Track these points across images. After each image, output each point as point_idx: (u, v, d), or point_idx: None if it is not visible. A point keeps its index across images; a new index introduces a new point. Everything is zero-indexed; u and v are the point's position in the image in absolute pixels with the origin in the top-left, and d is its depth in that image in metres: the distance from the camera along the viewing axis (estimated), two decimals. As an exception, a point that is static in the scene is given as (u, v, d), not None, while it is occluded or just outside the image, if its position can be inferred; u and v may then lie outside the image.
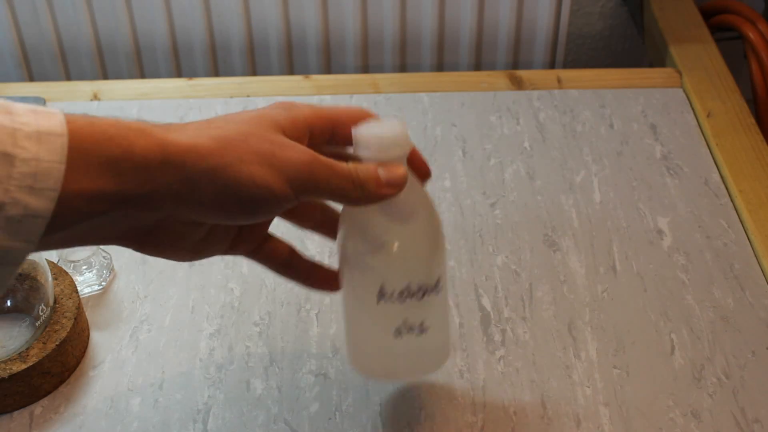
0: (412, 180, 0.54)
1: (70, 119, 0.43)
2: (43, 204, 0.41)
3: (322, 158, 0.49)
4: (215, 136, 0.46)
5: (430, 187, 0.80)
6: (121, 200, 0.44)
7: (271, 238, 0.56)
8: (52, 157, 0.41)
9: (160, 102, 0.90)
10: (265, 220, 0.54)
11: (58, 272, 0.67)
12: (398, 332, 0.56)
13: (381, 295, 0.54)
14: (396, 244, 0.54)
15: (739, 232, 0.75)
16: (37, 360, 0.61)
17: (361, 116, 0.53)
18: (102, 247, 0.73)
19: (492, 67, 1.06)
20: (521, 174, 0.82)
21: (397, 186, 0.50)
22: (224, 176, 0.46)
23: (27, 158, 0.41)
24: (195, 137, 0.46)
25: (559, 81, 0.93)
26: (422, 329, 0.56)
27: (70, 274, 0.68)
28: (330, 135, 0.52)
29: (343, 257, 0.55)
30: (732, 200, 0.79)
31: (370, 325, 0.56)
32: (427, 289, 0.55)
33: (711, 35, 0.99)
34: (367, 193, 0.50)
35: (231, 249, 0.54)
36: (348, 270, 0.56)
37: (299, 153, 0.48)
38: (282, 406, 0.63)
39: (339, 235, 0.55)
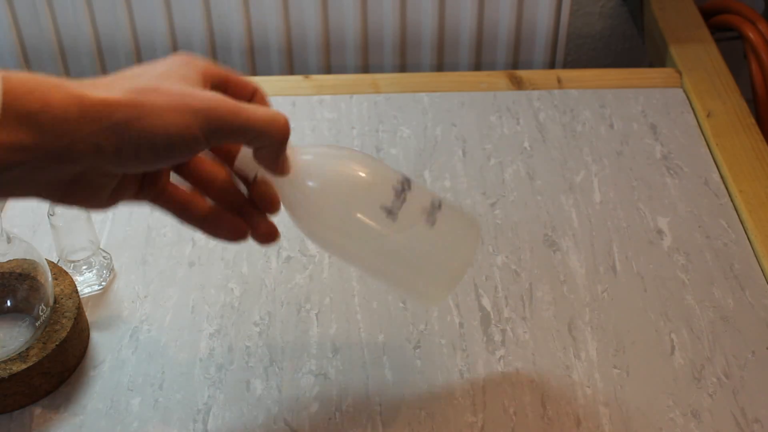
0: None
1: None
2: None
3: (230, 101, 0.50)
4: (129, 88, 0.48)
5: (430, 186, 0.80)
6: (41, 153, 0.46)
7: (170, 183, 0.56)
8: None
9: (160, 102, 0.90)
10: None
11: (58, 272, 0.67)
12: (423, 211, 0.55)
13: (388, 213, 0.54)
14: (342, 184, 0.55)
15: (739, 232, 0.75)
16: (37, 360, 0.61)
17: (249, 88, 0.55)
18: (102, 247, 0.73)
19: (492, 67, 1.06)
20: (521, 174, 0.82)
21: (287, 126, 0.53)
22: (138, 126, 0.48)
23: None
24: (109, 91, 0.48)
25: (559, 81, 0.93)
26: (438, 208, 0.56)
27: (70, 274, 0.68)
28: (222, 91, 0.54)
29: (321, 239, 0.57)
30: (732, 200, 0.79)
31: (408, 247, 0.56)
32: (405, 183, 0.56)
33: (711, 35, 0.99)
34: (273, 131, 0.51)
35: (138, 195, 0.54)
36: (340, 245, 0.57)
37: (208, 96, 0.50)
38: (282, 406, 0.63)
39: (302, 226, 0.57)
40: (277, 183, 0.55)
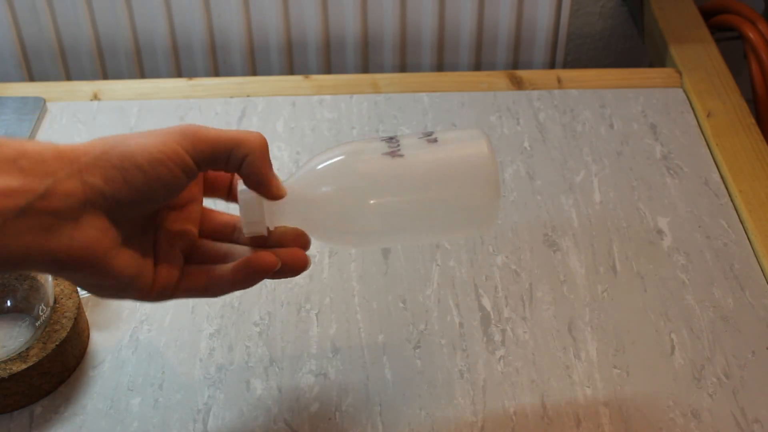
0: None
1: None
2: None
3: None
4: (98, 139, 0.50)
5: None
6: (32, 196, 0.46)
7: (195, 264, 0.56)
8: None
9: (160, 102, 0.90)
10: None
11: (58, 272, 0.67)
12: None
13: (392, 154, 0.55)
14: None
15: (739, 232, 0.75)
16: (37, 360, 0.61)
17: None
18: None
19: (492, 67, 1.06)
20: (521, 174, 0.82)
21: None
22: (118, 151, 0.49)
23: None
24: (79, 143, 0.49)
25: (559, 81, 0.93)
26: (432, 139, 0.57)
27: (70, 274, 0.68)
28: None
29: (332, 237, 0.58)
30: (732, 200, 0.79)
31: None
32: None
33: (711, 35, 0.99)
34: (251, 137, 0.53)
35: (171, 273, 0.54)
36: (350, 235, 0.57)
37: (180, 125, 0.52)
38: (282, 406, 0.63)
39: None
40: (292, 218, 0.55)
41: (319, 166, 0.56)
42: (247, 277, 0.54)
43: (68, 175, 0.47)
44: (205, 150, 0.51)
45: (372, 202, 0.55)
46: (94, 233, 0.48)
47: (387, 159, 0.55)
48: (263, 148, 0.53)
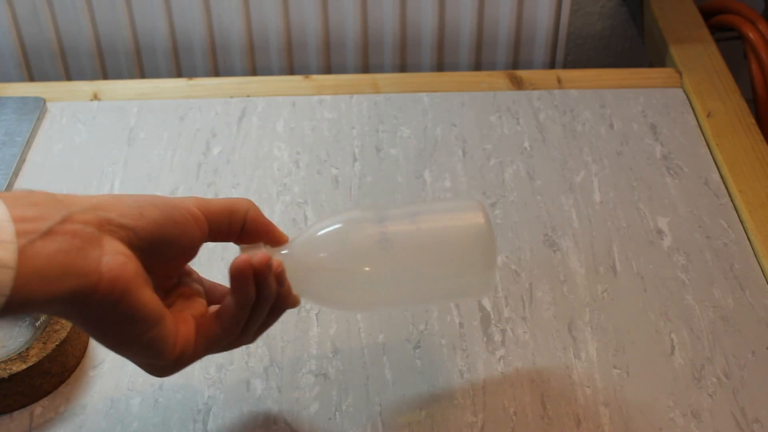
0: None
1: (22, 250, 0.44)
2: None
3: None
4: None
5: (430, 186, 0.80)
6: (49, 222, 0.45)
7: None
8: None
9: (160, 102, 0.90)
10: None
11: (58, 272, 0.67)
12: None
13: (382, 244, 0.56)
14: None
15: (739, 232, 0.75)
16: (37, 360, 0.61)
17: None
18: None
19: (492, 67, 1.06)
20: (521, 174, 0.82)
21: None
22: (130, 197, 0.50)
23: None
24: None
25: (559, 81, 0.93)
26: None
27: (70, 274, 0.67)
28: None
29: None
30: (732, 200, 0.79)
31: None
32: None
33: (711, 35, 0.99)
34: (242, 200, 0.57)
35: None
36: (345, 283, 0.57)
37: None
38: (282, 406, 0.63)
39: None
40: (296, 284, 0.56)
41: (318, 233, 0.57)
42: (241, 280, 0.52)
43: (82, 210, 0.47)
44: (212, 209, 0.53)
45: (364, 282, 0.56)
46: (121, 258, 0.47)
47: (377, 248, 0.56)
48: (255, 205, 0.56)
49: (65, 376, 0.64)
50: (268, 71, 1.06)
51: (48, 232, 0.45)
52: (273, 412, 0.62)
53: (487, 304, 0.70)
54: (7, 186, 0.80)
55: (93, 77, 1.06)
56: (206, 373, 0.65)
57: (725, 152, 0.83)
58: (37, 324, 0.64)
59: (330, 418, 0.62)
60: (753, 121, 0.86)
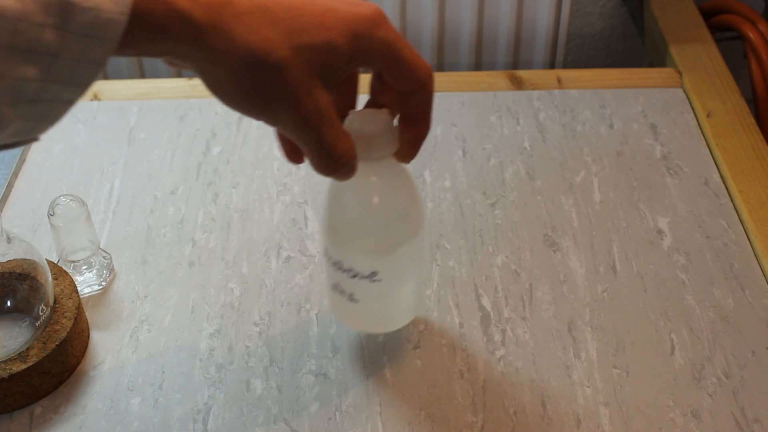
0: (382, 180, 0.57)
1: None
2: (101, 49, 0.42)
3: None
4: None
5: (430, 186, 0.80)
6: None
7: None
8: (114, 8, 0.41)
9: (160, 102, 0.90)
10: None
11: (58, 272, 0.67)
12: (334, 288, 0.62)
13: (325, 252, 0.60)
14: (338, 225, 0.58)
15: (739, 232, 0.75)
16: (37, 360, 0.61)
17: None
18: (102, 247, 0.73)
19: (492, 67, 1.06)
20: (521, 174, 0.82)
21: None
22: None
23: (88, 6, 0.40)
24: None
25: (559, 81, 0.93)
26: (352, 299, 0.61)
27: (70, 274, 0.68)
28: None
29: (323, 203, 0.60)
30: (732, 200, 0.79)
31: (324, 268, 0.64)
32: (357, 274, 0.59)
33: (711, 35, 0.99)
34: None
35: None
36: (321, 218, 0.60)
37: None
38: (282, 406, 0.63)
39: (329, 186, 0.58)
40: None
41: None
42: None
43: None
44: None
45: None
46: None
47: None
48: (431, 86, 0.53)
49: (65, 376, 0.64)
50: (268, 71, 1.06)
51: None
52: (273, 412, 0.62)
53: (487, 304, 0.70)
54: (7, 186, 0.80)
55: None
56: (206, 373, 0.65)
57: (725, 152, 0.83)
58: (37, 324, 0.64)
59: (330, 418, 0.62)
60: (753, 120, 0.86)
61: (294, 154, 0.55)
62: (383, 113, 0.55)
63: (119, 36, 0.41)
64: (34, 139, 0.46)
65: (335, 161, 0.50)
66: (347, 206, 0.58)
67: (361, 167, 0.54)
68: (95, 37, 0.41)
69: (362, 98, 0.58)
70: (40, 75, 0.41)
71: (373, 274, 0.59)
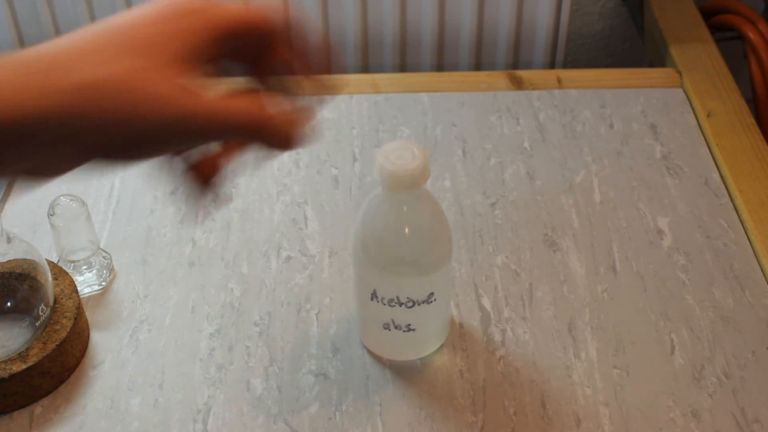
0: (424, 204, 0.59)
1: None
2: None
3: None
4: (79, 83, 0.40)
5: (430, 186, 0.80)
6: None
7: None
8: None
9: (160, 102, 0.90)
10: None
11: (58, 272, 0.67)
12: (386, 326, 0.62)
13: (373, 295, 0.61)
14: (397, 262, 0.60)
15: (739, 232, 0.75)
16: (37, 360, 0.61)
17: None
18: (102, 247, 0.73)
19: (492, 67, 1.06)
20: (521, 174, 0.82)
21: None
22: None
23: None
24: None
25: (559, 81, 0.93)
26: (409, 329, 0.62)
27: (70, 274, 0.68)
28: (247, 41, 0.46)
29: (355, 248, 0.61)
30: (732, 200, 0.79)
31: (366, 313, 0.63)
32: (416, 301, 0.61)
33: (711, 35, 0.99)
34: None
35: None
36: (356, 261, 0.61)
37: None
38: (282, 406, 0.63)
39: (359, 221, 0.60)
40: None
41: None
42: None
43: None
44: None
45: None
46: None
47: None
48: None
49: (65, 376, 0.64)
50: (268, 71, 1.06)
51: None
52: (273, 412, 0.62)
53: (487, 304, 0.70)
54: (7, 186, 0.80)
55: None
56: (206, 373, 0.65)
57: (725, 152, 0.83)
58: (37, 324, 0.64)
59: (330, 418, 0.62)
60: (753, 121, 0.86)
61: (206, 173, 0.49)
62: (413, 145, 0.57)
63: None
64: None
65: (264, 125, 0.45)
66: (402, 238, 0.59)
67: (405, 198, 0.57)
68: None
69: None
70: None
71: (431, 295, 0.61)
